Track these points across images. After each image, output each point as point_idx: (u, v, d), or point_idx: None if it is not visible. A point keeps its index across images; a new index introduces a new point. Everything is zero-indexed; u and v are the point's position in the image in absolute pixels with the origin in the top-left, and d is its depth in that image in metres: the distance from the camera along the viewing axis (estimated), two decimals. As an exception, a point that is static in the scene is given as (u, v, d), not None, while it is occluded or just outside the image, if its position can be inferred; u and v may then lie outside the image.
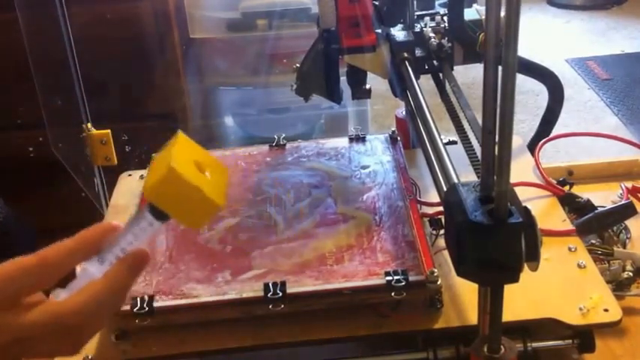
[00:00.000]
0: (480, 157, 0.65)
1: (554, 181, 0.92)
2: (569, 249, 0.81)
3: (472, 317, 0.71)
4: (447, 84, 0.95)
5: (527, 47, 2.79)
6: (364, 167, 0.93)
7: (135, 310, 0.71)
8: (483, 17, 0.85)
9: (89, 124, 1.26)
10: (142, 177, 0.98)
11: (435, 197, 0.86)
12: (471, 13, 0.95)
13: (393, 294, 0.71)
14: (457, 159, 0.72)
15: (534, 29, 3.49)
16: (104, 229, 0.54)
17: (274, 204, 0.87)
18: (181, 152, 0.52)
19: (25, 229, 1.26)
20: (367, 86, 1.00)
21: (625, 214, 0.86)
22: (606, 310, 0.71)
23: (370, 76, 0.99)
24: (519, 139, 1.02)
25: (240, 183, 0.91)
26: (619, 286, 0.81)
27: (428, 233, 0.82)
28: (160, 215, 0.53)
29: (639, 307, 0.80)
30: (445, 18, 0.97)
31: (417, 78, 0.91)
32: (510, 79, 0.49)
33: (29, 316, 0.49)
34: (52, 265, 0.51)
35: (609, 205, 0.88)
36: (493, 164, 0.54)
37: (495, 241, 0.54)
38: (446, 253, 0.76)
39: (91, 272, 0.53)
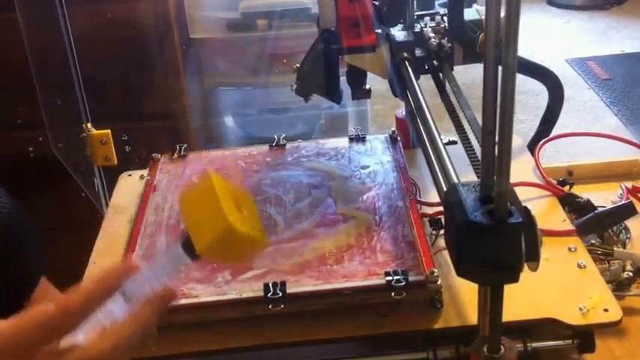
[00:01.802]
0: (480, 157, 0.65)
1: (554, 181, 0.92)
2: (569, 249, 0.80)
3: (472, 317, 0.71)
4: (447, 84, 0.95)
5: (527, 47, 2.79)
6: (364, 167, 0.93)
7: (135, 310, 0.71)
8: (483, 17, 0.85)
9: (89, 124, 1.26)
10: (142, 177, 0.98)
11: (435, 197, 0.86)
12: (471, 13, 0.95)
13: (393, 294, 0.71)
14: (457, 159, 0.72)
15: (534, 29, 3.49)
16: (125, 270, 0.53)
17: (274, 204, 0.86)
18: (225, 201, 0.51)
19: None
20: (367, 86, 1.00)
21: (625, 214, 0.86)
22: (606, 310, 0.71)
23: (370, 76, 0.99)
24: (519, 139, 1.02)
25: (240, 183, 0.91)
26: (619, 286, 0.81)
27: (428, 233, 0.82)
28: (197, 256, 0.53)
29: (639, 307, 0.80)
30: (445, 18, 0.97)
31: (417, 78, 0.91)
32: (510, 79, 0.49)
33: None
34: (74, 312, 0.50)
35: (609, 205, 0.88)
36: (493, 164, 0.54)
37: (495, 241, 0.54)
38: (446, 253, 0.76)
39: (110, 309, 0.52)
